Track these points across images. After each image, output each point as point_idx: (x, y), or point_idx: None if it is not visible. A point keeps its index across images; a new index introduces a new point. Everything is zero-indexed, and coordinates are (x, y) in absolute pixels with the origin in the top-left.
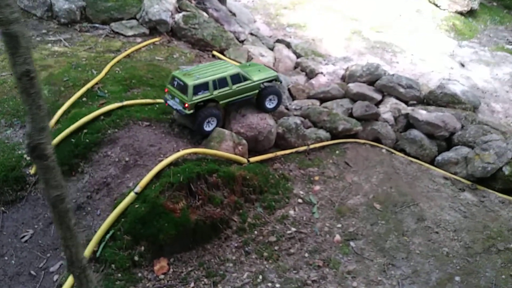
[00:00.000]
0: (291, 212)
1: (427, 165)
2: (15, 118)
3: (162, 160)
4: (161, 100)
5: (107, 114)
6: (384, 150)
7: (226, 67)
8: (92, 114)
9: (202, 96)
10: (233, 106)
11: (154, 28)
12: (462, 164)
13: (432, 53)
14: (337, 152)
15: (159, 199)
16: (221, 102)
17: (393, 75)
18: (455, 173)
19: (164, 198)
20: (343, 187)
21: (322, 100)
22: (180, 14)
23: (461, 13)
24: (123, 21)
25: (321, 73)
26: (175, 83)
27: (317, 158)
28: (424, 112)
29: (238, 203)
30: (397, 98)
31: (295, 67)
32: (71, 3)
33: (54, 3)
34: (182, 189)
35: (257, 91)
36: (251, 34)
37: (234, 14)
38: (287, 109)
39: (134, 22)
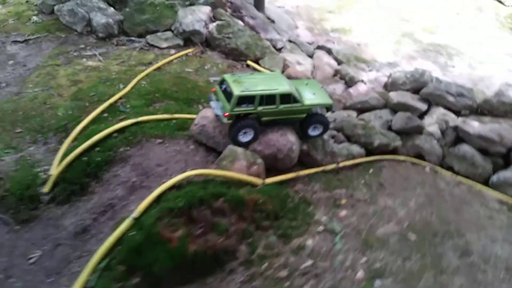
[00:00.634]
0: (310, 241)
1: (479, 186)
2: (39, 134)
3: (165, 182)
4: (179, 115)
5: (121, 130)
6: (427, 169)
7: (280, 83)
8: (105, 132)
9: (245, 109)
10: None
11: (189, 39)
12: None
13: (494, 54)
14: (371, 171)
15: (155, 227)
16: (263, 119)
17: (441, 81)
18: None
19: (160, 226)
20: (374, 213)
21: (360, 111)
22: (214, 24)
23: None
24: (158, 33)
25: (362, 81)
26: (224, 86)
27: (347, 178)
28: (476, 124)
29: (248, 231)
30: (446, 108)
31: (335, 75)
32: (108, 17)
33: (92, 18)
34: (182, 216)
35: (304, 115)
36: (290, 41)
37: (272, 21)
38: None
39: (169, 34)
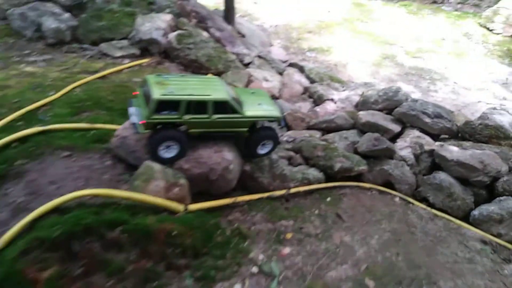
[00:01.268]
0: (237, 286)
1: (458, 221)
2: None
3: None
4: (101, 126)
5: (23, 140)
6: (397, 199)
7: (215, 88)
8: (1, 141)
9: (166, 117)
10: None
11: (146, 48)
12: (508, 223)
13: (480, 81)
14: (328, 199)
15: (17, 263)
16: (191, 130)
17: (416, 100)
18: (498, 235)
19: (25, 262)
20: (325, 251)
21: (325, 131)
22: (174, 33)
23: None
24: (113, 42)
25: (331, 99)
26: (145, 88)
27: (298, 207)
28: (455, 149)
29: (153, 272)
30: (422, 131)
31: (303, 93)
32: (60, 22)
33: (43, 22)
34: (57, 249)
35: (246, 129)
36: (259, 57)
37: (243, 36)
38: None
39: (124, 42)
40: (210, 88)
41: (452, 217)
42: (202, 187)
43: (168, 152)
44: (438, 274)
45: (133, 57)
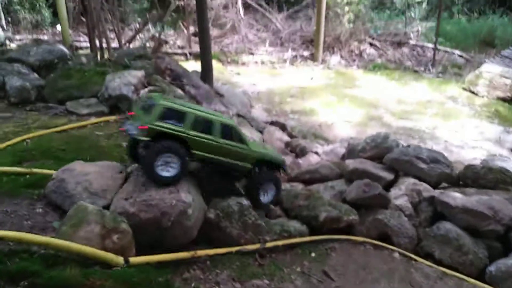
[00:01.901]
0: None
1: (472, 280)
2: None
3: None
4: (39, 170)
5: None
6: (396, 255)
7: (223, 117)
8: None
9: (170, 126)
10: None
11: (115, 106)
12: None
13: (473, 139)
14: (313, 254)
15: None
16: (195, 152)
17: (408, 146)
18: None
19: None
20: None
21: (308, 183)
22: (146, 89)
23: (503, 100)
24: (81, 100)
25: (315, 152)
26: (143, 104)
27: (275, 264)
28: (459, 195)
29: None
30: (418, 179)
31: (285, 148)
32: (25, 81)
33: (7, 81)
34: None
35: (249, 166)
36: (238, 115)
37: (221, 95)
38: None
39: (93, 100)
40: (217, 115)
41: (464, 276)
42: (152, 237)
43: (167, 170)
44: None
45: (101, 114)
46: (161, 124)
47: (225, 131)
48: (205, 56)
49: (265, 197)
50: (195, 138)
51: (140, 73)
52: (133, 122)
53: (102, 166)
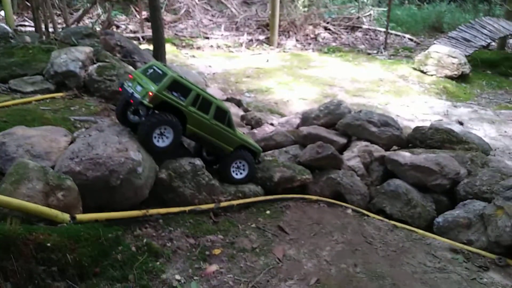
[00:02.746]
0: None
1: (421, 231)
2: None
3: None
4: None
5: None
6: (349, 211)
7: (221, 101)
8: None
9: (174, 98)
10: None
11: (62, 83)
12: (478, 227)
13: (423, 113)
14: (268, 212)
15: None
16: (188, 126)
17: (360, 111)
18: (468, 242)
19: None
20: (265, 266)
21: (263, 150)
22: (95, 66)
23: (451, 78)
24: (25, 77)
25: (270, 124)
26: (151, 71)
27: (229, 221)
28: (408, 154)
29: None
30: (369, 142)
31: (241, 120)
32: None
33: None
34: None
35: (231, 150)
36: None
37: None
38: None
39: (38, 77)
40: (216, 98)
41: (414, 227)
42: (101, 197)
43: (161, 141)
44: (407, 285)
45: (47, 92)
46: (168, 95)
47: (219, 114)
48: (157, 34)
49: (238, 174)
50: (193, 114)
51: (88, 49)
52: (134, 85)
53: (46, 130)
